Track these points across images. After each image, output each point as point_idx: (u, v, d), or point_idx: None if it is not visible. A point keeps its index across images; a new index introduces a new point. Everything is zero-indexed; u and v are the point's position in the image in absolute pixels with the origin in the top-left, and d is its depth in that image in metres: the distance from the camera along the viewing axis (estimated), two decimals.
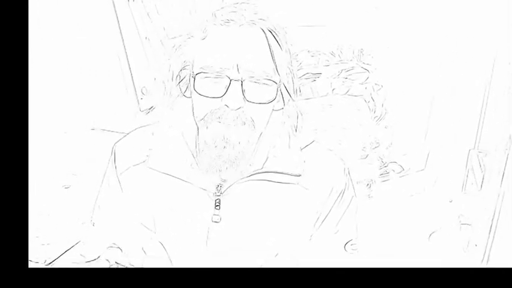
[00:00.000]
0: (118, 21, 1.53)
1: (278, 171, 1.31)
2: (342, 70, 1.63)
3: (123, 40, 1.53)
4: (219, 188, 1.29)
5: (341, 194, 1.33)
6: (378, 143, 1.56)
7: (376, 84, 1.56)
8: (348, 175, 1.35)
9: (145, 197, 1.30)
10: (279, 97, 1.29)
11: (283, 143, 1.35)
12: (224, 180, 1.29)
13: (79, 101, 1.53)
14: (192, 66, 1.28)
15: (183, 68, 1.30)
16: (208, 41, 1.27)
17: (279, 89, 1.26)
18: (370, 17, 1.53)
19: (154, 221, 1.29)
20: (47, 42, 1.49)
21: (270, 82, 1.25)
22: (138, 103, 1.53)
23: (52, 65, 1.50)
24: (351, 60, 1.62)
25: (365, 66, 1.58)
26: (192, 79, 1.26)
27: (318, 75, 1.66)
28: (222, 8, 1.30)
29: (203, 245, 1.27)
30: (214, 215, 1.28)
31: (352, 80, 1.62)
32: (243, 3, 1.30)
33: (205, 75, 1.25)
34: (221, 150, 1.25)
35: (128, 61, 1.54)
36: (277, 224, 1.30)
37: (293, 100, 1.33)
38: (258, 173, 1.30)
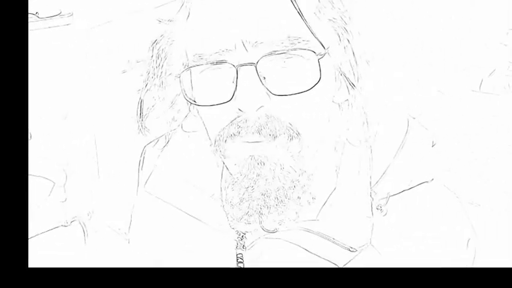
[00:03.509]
0: None
1: (324, 234, 0.83)
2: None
3: None
4: (240, 238, 0.88)
5: None
6: None
7: None
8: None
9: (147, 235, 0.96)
10: (338, 80, 0.80)
11: (351, 170, 0.84)
12: (270, 230, 0.84)
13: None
14: (186, 66, 0.83)
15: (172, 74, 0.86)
16: (193, 19, 0.81)
17: (334, 64, 0.78)
18: None
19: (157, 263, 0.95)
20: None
21: (306, 53, 0.76)
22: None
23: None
24: None
25: None
26: (184, 87, 0.82)
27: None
28: None
29: None
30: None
31: None
32: None
33: (200, 70, 0.79)
34: (253, 182, 0.79)
35: None
36: None
37: (353, 87, 0.82)
38: (300, 229, 0.83)
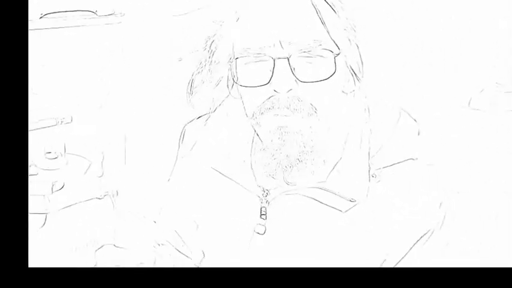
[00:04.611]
0: None
1: (331, 190, 1.09)
2: None
3: None
4: (265, 195, 1.13)
5: (429, 234, 1.10)
6: None
7: None
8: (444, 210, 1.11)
9: (188, 193, 1.20)
10: (347, 75, 1.09)
11: (354, 145, 1.13)
12: (292, 183, 1.10)
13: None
14: (232, 57, 1.09)
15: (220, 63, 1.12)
16: (242, 21, 1.08)
17: (345, 62, 1.06)
18: None
19: (194, 221, 1.17)
20: None
21: (326, 53, 1.04)
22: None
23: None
24: None
25: None
26: (233, 72, 1.09)
27: None
28: None
29: (242, 257, 1.14)
30: (258, 224, 1.14)
31: None
32: None
33: (245, 60, 1.06)
34: (280, 146, 1.06)
35: None
36: (326, 257, 1.10)
37: (358, 80, 1.11)
38: (312, 187, 1.09)
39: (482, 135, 1.31)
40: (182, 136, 1.26)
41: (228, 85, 1.14)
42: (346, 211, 1.08)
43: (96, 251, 1.12)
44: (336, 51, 1.04)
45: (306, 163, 1.09)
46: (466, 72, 1.37)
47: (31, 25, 1.40)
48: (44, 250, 1.30)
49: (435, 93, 1.33)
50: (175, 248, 1.12)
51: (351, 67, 1.08)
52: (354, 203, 1.08)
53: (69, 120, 1.41)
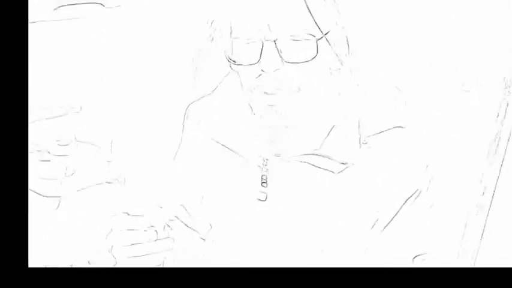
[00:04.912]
0: None
1: (325, 155, 1.20)
2: None
3: None
4: (265, 164, 1.23)
5: (416, 194, 1.21)
6: None
7: None
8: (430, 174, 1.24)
9: (193, 167, 1.29)
10: (333, 54, 1.18)
11: (345, 116, 1.22)
12: (278, 155, 1.21)
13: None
14: (230, 36, 1.20)
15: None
16: (235, 4, 1.19)
17: (331, 43, 1.15)
18: None
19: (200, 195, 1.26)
20: None
21: (309, 36, 1.13)
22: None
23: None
24: None
25: None
26: (228, 51, 1.19)
27: None
28: None
29: (246, 224, 1.23)
30: (260, 192, 1.24)
31: None
32: None
33: (237, 41, 1.17)
34: (268, 121, 1.17)
35: None
36: (324, 218, 1.21)
37: (340, 60, 1.20)
38: (307, 154, 1.20)
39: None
40: (186, 114, 1.36)
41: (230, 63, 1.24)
42: (338, 173, 1.18)
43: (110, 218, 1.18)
44: (319, 35, 1.13)
45: (294, 135, 1.19)
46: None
47: (46, 16, 1.47)
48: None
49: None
50: (183, 223, 1.19)
51: (335, 49, 1.17)
52: (345, 166, 1.18)
53: (79, 109, 1.50)
